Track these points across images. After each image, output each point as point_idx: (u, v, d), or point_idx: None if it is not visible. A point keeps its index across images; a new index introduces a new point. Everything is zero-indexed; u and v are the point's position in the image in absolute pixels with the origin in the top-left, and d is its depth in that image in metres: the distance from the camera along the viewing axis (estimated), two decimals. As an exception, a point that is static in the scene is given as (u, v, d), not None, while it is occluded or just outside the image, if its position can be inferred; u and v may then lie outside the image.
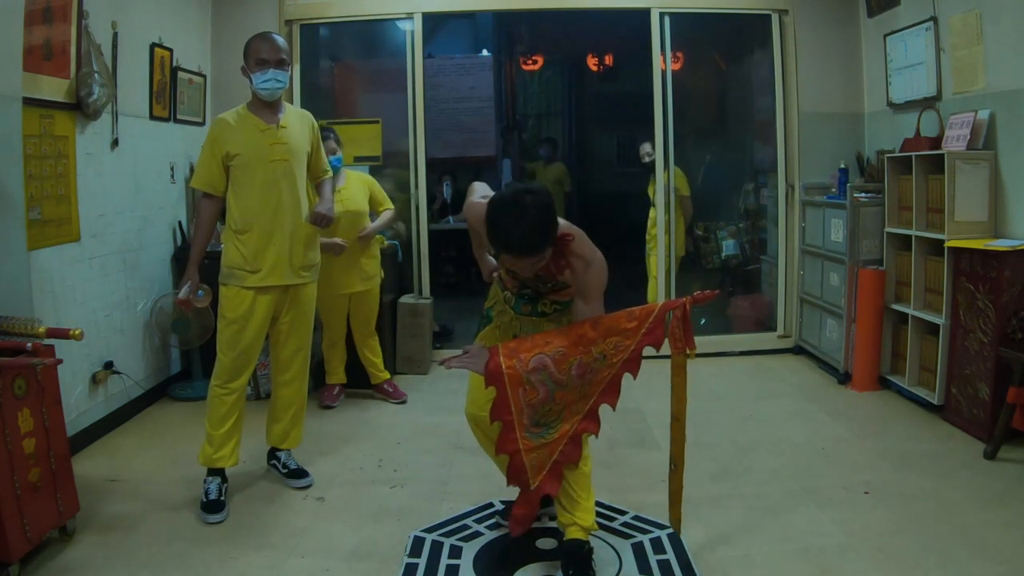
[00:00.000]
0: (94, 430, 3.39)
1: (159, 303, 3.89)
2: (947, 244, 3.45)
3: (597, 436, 2.22)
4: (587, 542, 2.29)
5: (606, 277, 2.14)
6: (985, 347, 3.25)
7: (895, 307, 3.92)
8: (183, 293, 2.81)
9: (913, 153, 3.70)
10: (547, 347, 2.07)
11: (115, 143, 3.59)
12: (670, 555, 2.36)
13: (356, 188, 3.82)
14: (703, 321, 5.04)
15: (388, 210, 3.94)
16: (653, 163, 4.78)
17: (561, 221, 2.10)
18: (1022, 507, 2.64)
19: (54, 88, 3.12)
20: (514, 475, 2.18)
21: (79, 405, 3.29)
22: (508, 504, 2.64)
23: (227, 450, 2.80)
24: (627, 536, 2.49)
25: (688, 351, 2.19)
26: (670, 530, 2.50)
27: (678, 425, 2.24)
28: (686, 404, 2.26)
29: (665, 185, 4.74)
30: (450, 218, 6.29)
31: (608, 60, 7.87)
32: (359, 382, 4.07)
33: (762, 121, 5.21)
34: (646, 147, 4.87)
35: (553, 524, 2.48)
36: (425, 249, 4.77)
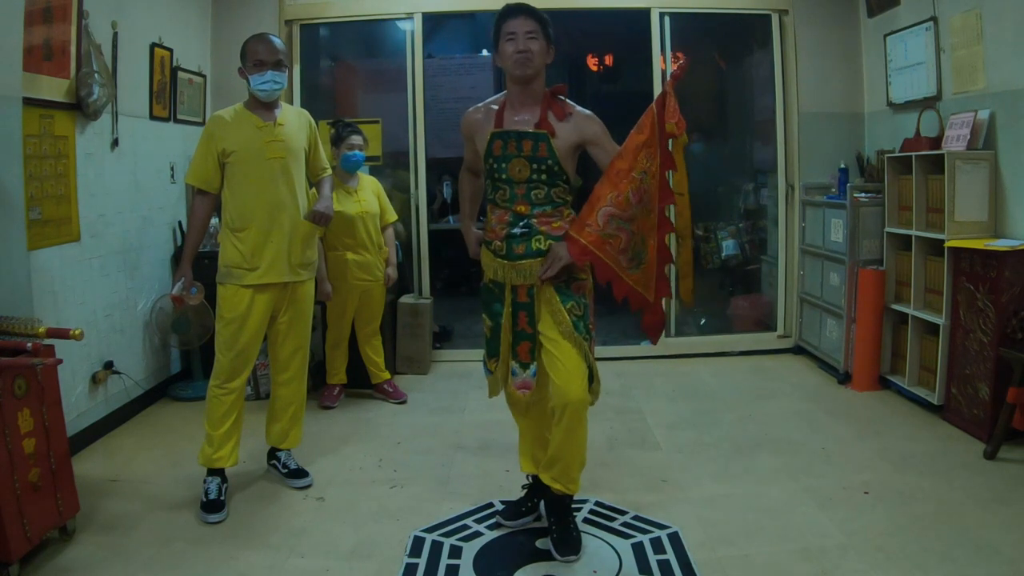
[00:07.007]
0: (94, 430, 3.39)
1: (159, 303, 3.89)
2: (947, 244, 3.45)
3: (675, 233, 2.42)
4: (569, 496, 2.43)
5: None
6: (985, 347, 3.25)
7: (895, 307, 3.92)
8: (176, 289, 2.81)
9: (913, 153, 3.70)
10: (601, 201, 2.25)
11: (115, 143, 3.59)
12: (670, 555, 2.36)
13: (369, 191, 3.89)
14: (703, 321, 5.04)
15: (390, 227, 4.00)
16: None
17: None
18: (1022, 507, 2.64)
19: (54, 88, 3.12)
20: (636, 303, 2.36)
21: (79, 405, 3.29)
22: (508, 504, 2.65)
23: (226, 450, 2.80)
24: (627, 536, 2.50)
25: (676, 128, 2.34)
26: (671, 530, 2.50)
27: (682, 199, 2.45)
28: (687, 181, 2.49)
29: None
30: (450, 218, 6.27)
31: (608, 60, 7.85)
32: (359, 382, 4.07)
33: (762, 121, 5.21)
34: None
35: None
36: (425, 249, 4.77)
